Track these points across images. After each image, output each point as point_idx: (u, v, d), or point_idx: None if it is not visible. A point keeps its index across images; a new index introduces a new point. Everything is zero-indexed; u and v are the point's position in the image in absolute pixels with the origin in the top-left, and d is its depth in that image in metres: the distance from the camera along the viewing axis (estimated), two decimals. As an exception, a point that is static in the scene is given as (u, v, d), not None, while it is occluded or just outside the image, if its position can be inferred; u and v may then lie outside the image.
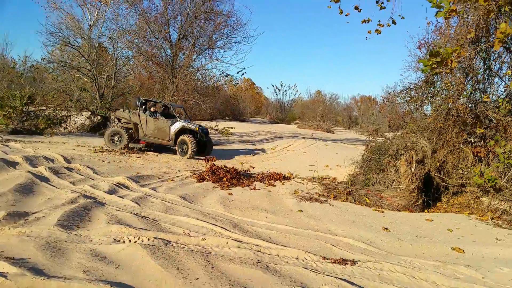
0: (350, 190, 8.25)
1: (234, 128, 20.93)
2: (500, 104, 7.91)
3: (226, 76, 17.87)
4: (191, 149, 12.47)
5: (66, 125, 15.85)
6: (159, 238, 4.81)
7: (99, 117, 16.96)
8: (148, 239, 4.75)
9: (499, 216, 7.18)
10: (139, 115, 13.06)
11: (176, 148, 12.90)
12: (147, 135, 13.04)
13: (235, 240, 5.02)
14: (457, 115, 8.19)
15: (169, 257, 4.24)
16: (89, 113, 16.96)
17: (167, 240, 4.80)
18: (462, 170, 8.28)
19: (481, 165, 7.98)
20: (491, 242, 5.74)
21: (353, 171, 9.28)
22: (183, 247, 4.63)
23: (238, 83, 23.44)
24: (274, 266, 4.31)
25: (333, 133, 33.00)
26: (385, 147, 8.68)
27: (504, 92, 8.51)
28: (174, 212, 6.12)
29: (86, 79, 17.57)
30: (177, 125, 12.93)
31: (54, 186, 6.94)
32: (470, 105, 8.48)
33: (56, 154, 10.08)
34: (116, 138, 12.96)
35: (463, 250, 5.30)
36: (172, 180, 8.69)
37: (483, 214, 7.35)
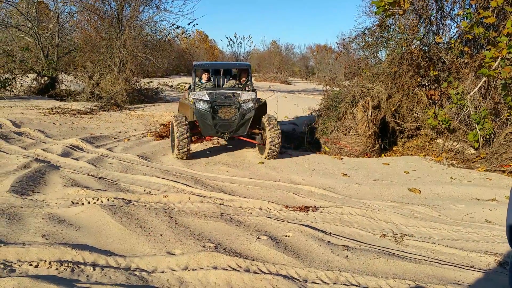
0: (309, 139, 8.31)
1: (189, 83, 20.31)
2: (453, 45, 8.05)
3: (177, 28, 17.04)
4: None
5: (12, 88, 14.73)
6: (119, 198, 4.65)
7: (46, 78, 15.85)
8: (108, 200, 4.57)
9: (453, 156, 7.52)
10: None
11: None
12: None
13: (197, 195, 4.94)
14: (411, 58, 8.28)
15: (130, 216, 4.12)
16: (35, 74, 15.78)
17: (128, 200, 4.65)
18: (417, 113, 8.52)
19: (435, 107, 8.23)
20: (446, 181, 6.02)
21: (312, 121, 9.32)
22: (145, 206, 4.50)
23: (190, 36, 22.37)
24: (238, 217, 4.29)
25: (291, 84, 33.00)
26: (342, 95, 8.72)
27: (456, 33, 8.66)
28: (133, 172, 5.91)
29: (28, 39, 16.16)
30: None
31: (4, 152, 6.51)
32: (423, 48, 8.58)
33: (3, 118, 9.39)
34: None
35: (420, 191, 5.53)
36: (128, 139, 8.37)
37: (438, 155, 7.67)
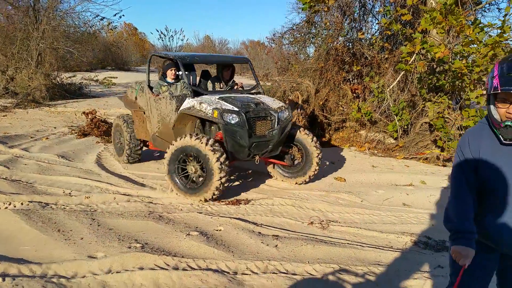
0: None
1: (117, 77, 19.37)
2: (374, 41, 8.52)
3: (102, 19, 16.11)
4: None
5: None
6: (35, 202, 4.29)
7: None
8: (22, 204, 4.20)
9: (375, 146, 7.98)
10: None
11: None
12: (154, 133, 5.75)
13: (124, 194, 4.72)
14: (336, 54, 8.62)
15: (47, 220, 3.82)
16: None
17: (45, 203, 4.30)
18: (343, 107, 8.90)
19: (359, 101, 8.66)
20: (368, 170, 6.36)
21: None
22: (64, 208, 4.20)
23: (117, 28, 21.21)
24: (167, 215, 4.17)
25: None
26: (273, 89, 8.85)
27: (377, 30, 9.18)
28: (51, 173, 5.49)
29: None
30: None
31: None
32: (347, 44, 8.98)
33: None
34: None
35: (345, 179, 5.78)
36: (47, 138, 7.77)
37: (361, 146, 8.09)
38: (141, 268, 2.98)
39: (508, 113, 1.67)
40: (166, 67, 5.63)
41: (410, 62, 7.00)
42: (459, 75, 6.32)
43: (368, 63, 8.70)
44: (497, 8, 13.42)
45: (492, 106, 1.73)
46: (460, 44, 6.67)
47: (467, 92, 6.46)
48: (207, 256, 3.26)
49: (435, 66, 7.20)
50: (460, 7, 6.50)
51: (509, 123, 1.66)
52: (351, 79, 9.34)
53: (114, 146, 6.52)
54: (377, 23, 9.24)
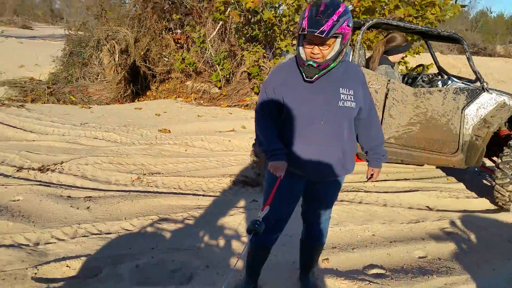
0: (51, 90, 7.27)
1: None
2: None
3: None
4: None
5: None
6: None
7: None
8: None
9: (201, 96, 8.02)
10: None
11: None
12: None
13: None
14: (154, 1, 8.12)
15: None
16: None
17: None
18: (167, 57, 8.59)
19: (182, 51, 8.47)
20: (194, 119, 6.35)
21: (55, 69, 8.17)
22: None
23: None
24: None
25: (32, 29, 28.18)
26: (86, 39, 7.89)
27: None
28: None
29: None
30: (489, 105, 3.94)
31: None
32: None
33: None
34: None
35: (169, 130, 5.64)
36: None
37: (188, 96, 8.03)
38: None
39: (312, 53, 1.75)
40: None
41: (225, 13, 7.08)
42: (269, 25, 6.68)
43: (189, 12, 8.49)
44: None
45: (300, 47, 1.80)
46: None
47: (278, 41, 6.92)
48: (-1, 232, 2.74)
49: (250, 17, 7.46)
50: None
51: (311, 63, 1.75)
52: (173, 29, 9.02)
53: None
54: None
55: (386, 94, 3.66)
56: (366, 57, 4.07)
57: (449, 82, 4.00)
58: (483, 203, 3.94)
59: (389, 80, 3.64)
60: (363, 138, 2.06)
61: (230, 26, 8.02)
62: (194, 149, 4.93)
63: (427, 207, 3.74)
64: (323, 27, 1.65)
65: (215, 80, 7.81)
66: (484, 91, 3.83)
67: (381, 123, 3.63)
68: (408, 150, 3.84)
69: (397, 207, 3.65)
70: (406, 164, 4.38)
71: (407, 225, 3.30)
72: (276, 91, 1.89)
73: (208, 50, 7.85)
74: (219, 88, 8.00)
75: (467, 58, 3.92)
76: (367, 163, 2.12)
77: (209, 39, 7.78)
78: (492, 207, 3.85)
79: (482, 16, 32.63)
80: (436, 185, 4.28)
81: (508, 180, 3.61)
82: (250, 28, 7.45)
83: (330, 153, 1.89)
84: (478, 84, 3.92)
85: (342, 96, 1.84)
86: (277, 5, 7.19)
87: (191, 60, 7.96)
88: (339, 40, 1.74)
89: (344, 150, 1.91)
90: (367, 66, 3.83)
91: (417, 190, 4.04)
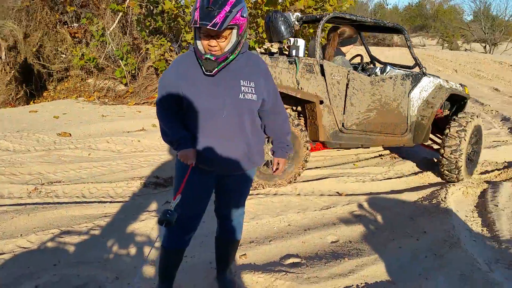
0: None
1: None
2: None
3: None
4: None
5: None
6: None
7: None
8: None
9: (105, 95, 7.50)
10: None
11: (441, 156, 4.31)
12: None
13: None
14: (44, -8, 7.39)
15: None
16: None
17: None
18: (63, 53, 7.89)
19: (81, 46, 7.84)
20: (98, 120, 5.91)
21: None
22: None
23: None
24: None
25: None
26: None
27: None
28: None
29: None
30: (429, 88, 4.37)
31: None
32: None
33: None
34: None
35: (70, 134, 5.18)
36: None
37: (90, 95, 7.47)
38: None
39: (210, 46, 1.69)
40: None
41: (124, 3, 6.69)
42: (173, 16, 6.45)
43: (85, 3, 7.88)
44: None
45: (198, 40, 1.72)
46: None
47: (184, 33, 6.72)
48: None
49: (152, 7, 7.14)
50: None
51: (208, 56, 1.69)
52: (68, 22, 8.32)
53: None
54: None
55: (347, 84, 3.82)
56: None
57: (388, 68, 4.27)
58: (387, 185, 4.25)
59: (349, 71, 3.80)
60: (269, 129, 2.06)
61: (131, 18, 7.61)
62: (98, 152, 4.59)
63: (337, 192, 3.92)
64: (215, 20, 1.59)
65: (119, 76, 7.35)
66: (425, 76, 4.23)
67: (344, 112, 3.86)
68: (367, 135, 4.08)
69: (309, 195, 3.77)
70: (365, 148, 4.76)
71: (319, 211, 3.43)
72: (174, 84, 1.81)
73: (109, 44, 7.36)
74: (125, 84, 7.57)
75: (408, 46, 4.29)
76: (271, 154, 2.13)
77: (108, 32, 7.28)
78: (396, 188, 4.18)
79: (380, 9, 35.18)
80: (344, 171, 4.51)
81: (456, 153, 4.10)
82: (152, 20, 7.12)
83: (234, 146, 1.85)
84: (417, 69, 4.32)
85: (242, 88, 1.80)
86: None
87: (91, 55, 7.40)
88: (235, 31, 1.70)
89: (248, 143, 1.89)
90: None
91: (327, 177, 4.22)
